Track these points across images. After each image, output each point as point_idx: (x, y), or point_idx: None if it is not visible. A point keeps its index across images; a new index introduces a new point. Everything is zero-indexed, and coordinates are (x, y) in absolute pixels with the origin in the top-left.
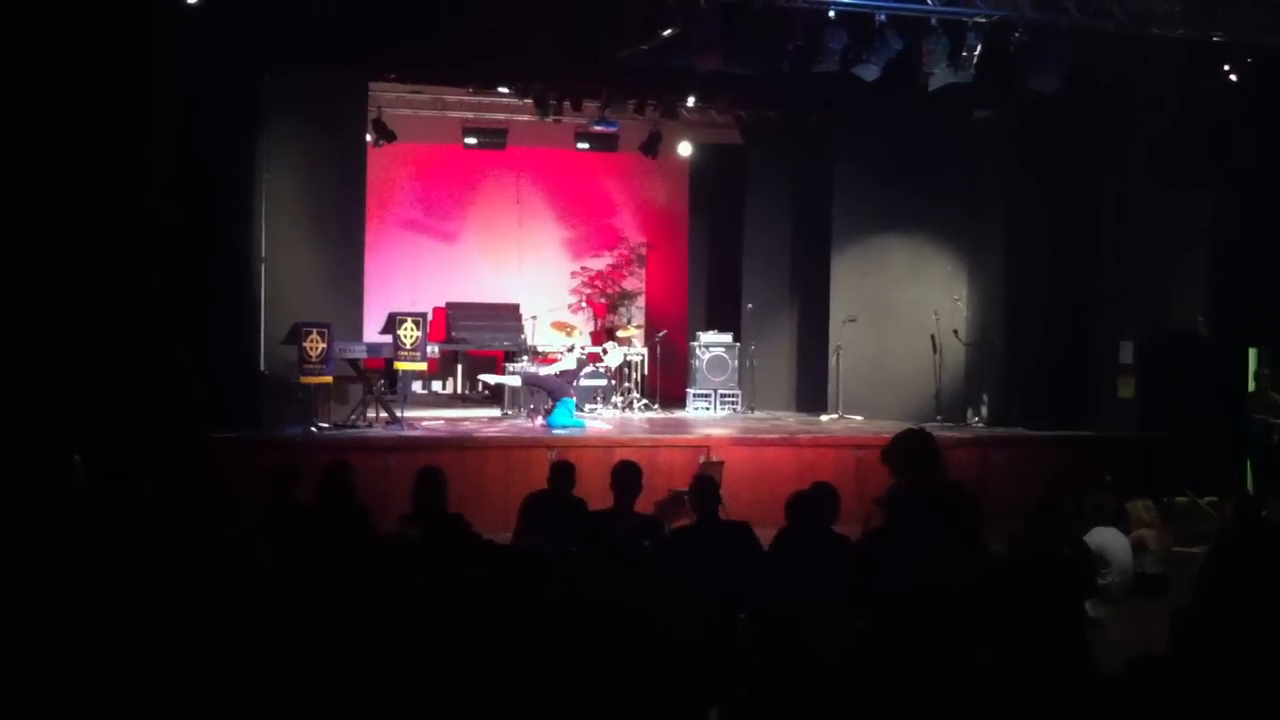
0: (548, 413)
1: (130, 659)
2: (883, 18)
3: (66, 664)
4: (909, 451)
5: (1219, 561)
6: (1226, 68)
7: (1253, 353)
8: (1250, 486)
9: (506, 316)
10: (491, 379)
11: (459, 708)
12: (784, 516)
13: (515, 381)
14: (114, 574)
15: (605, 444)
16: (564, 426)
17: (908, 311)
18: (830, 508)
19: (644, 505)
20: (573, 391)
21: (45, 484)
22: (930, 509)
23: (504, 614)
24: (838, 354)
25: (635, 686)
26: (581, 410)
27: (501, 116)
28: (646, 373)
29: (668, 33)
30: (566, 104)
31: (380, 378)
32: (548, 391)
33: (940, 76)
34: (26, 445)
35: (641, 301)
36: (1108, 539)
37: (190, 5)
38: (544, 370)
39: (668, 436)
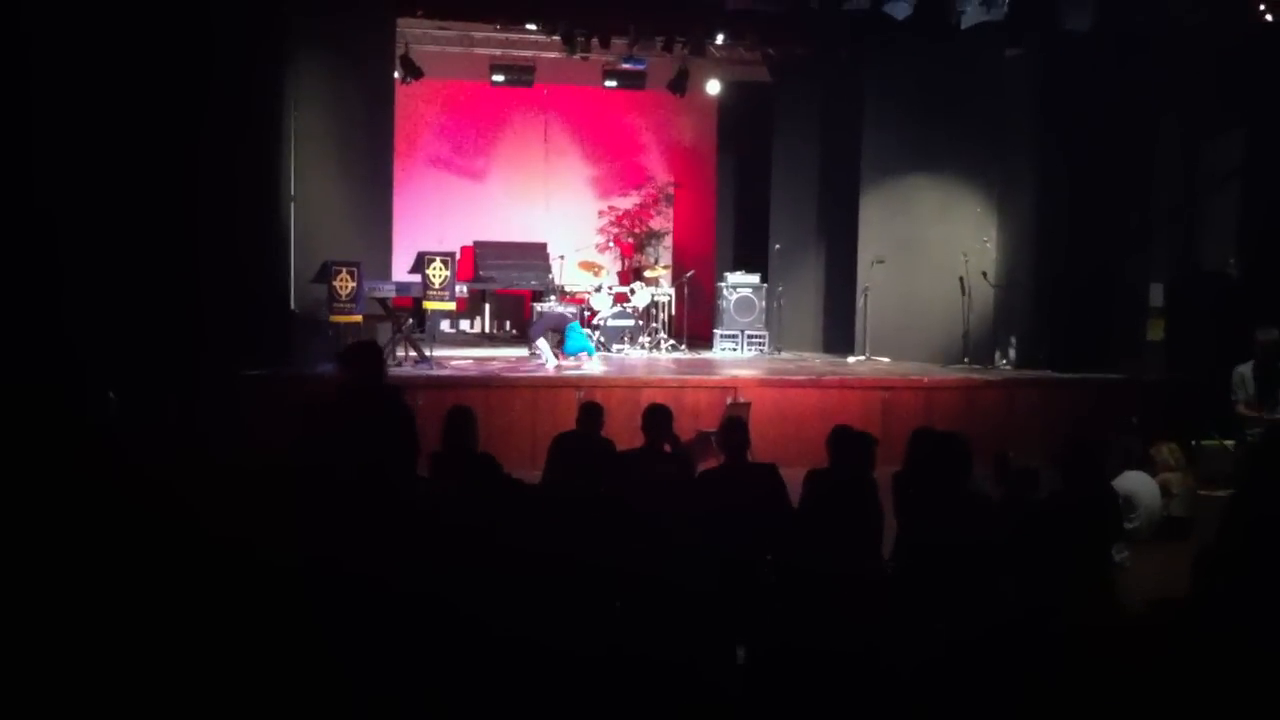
0: (560, 344)
1: (137, 604)
2: None
3: (76, 612)
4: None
5: (1240, 504)
6: (1262, 7)
7: None
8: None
9: (534, 256)
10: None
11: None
12: (827, 453)
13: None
14: (127, 509)
15: (632, 384)
16: (580, 349)
17: (936, 253)
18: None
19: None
20: (572, 317)
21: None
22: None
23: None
24: (865, 295)
25: (661, 622)
26: (608, 350)
27: (529, 53)
28: (673, 313)
29: None
30: (594, 41)
31: (409, 316)
32: (555, 329)
33: (972, 15)
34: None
35: (669, 241)
36: (1136, 483)
37: None
38: (543, 310)
39: (694, 377)
